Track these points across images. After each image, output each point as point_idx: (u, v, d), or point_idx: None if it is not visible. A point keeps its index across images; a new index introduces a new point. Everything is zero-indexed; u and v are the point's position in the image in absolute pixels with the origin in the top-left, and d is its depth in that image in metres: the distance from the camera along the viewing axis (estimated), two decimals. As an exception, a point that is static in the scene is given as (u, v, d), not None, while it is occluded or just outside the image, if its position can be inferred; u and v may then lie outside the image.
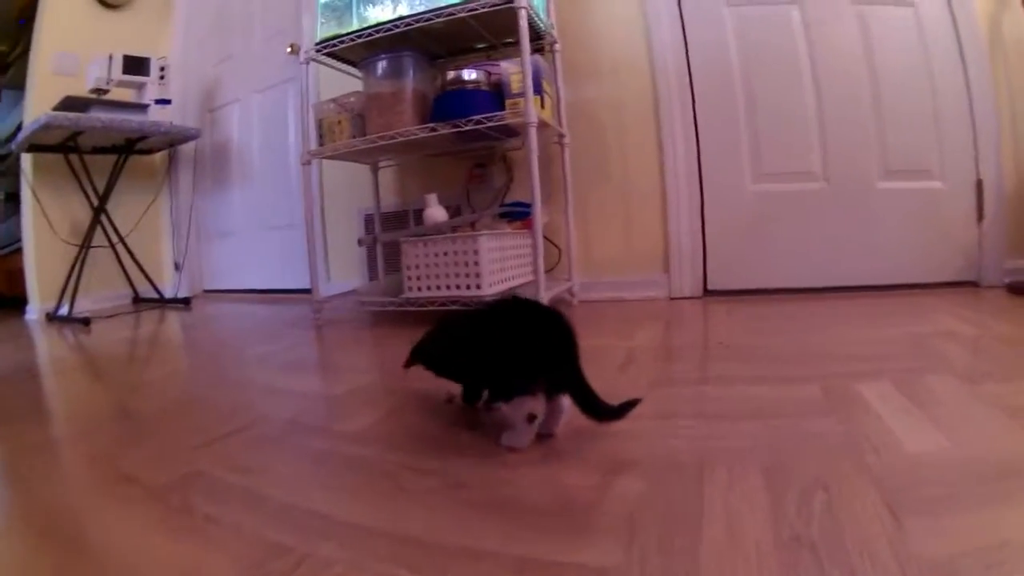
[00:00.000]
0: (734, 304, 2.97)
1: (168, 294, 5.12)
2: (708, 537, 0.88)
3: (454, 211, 3.44)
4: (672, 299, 3.24)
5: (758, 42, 3.18)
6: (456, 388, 1.56)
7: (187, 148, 5.38)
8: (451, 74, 2.80)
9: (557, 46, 3.24)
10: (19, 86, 5.05)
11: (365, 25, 2.95)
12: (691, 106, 3.25)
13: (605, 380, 1.70)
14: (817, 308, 2.73)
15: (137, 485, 1.25)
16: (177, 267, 5.46)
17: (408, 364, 1.60)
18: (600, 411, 1.25)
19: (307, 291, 4.46)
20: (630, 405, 1.26)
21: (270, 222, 4.99)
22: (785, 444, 1.20)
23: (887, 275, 3.02)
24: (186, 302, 4.78)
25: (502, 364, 1.27)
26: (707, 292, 3.27)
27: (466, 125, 2.67)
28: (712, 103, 3.24)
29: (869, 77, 3.04)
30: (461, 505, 1.07)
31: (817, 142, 3.12)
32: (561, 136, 3.19)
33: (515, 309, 1.37)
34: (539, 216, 2.60)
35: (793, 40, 3.13)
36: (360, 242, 3.47)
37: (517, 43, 3.00)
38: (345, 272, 4.31)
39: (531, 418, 1.26)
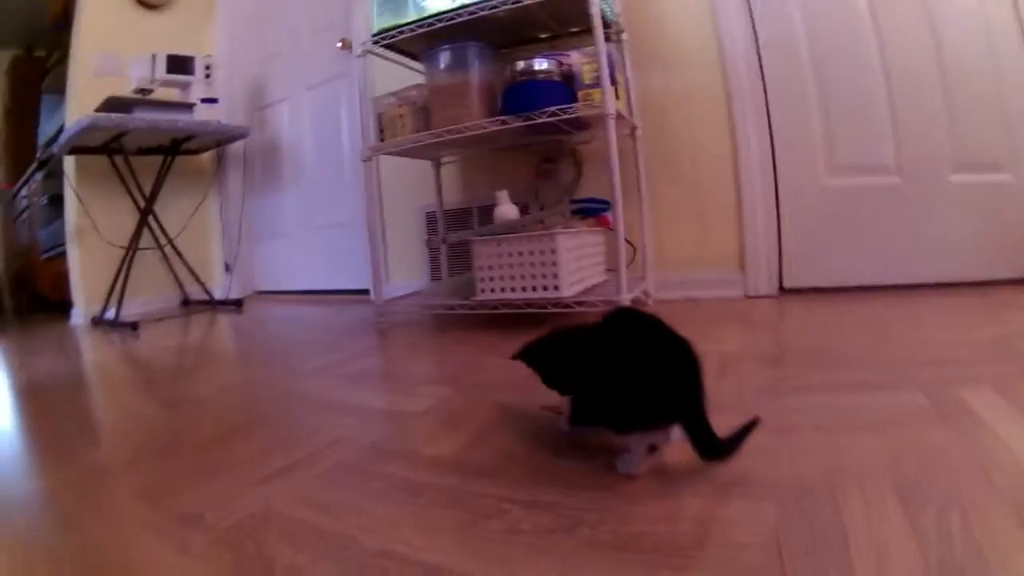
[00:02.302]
0: (812, 303, 2.85)
1: (219, 296, 5.11)
2: (861, 568, 0.82)
3: (522, 208, 3.30)
4: (748, 297, 3.11)
5: (826, 31, 3.05)
6: (557, 400, 1.42)
7: (236, 147, 5.34)
8: (521, 64, 2.68)
9: (624, 35, 3.10)
10: (59, 91, 5.00)
11: (424, 15, 2.83)
12: (763, 97, 3.12)
13: (706, 389, 1.60)
14: (895, 306, 2.64)
15: (202, 527, 1.11)
16: (228, 268, 5.40)
17: (516, 357, 1.46)
18: (716, 451, 1.12)
19: (362, 292, 4.42)
20: (745, 431, 1.13)
21: (323, 221, 4.93)
22: (909, 459, 1.13)
23: (960, 272, 2.89)
24: (238, 304, 4.73)
25: (626, 399, 1.14)
26: (783, 290, 3.13)
27: (539, 118, 2.54)
28: (783, 94, 3.11)
29: (937, 66, 2.89)
30: (586, 547, 0.94)
31: (890, 134, 2.97)
32: (633, 128, 3.05)
33: (643, 332, 1.22)
34: (620, 213, 2.46)
35: (861, 29, 2.99)
36: (429, 243, 3.37)
37: (583, 32, 2.91)
38: (405, 272, 4.21)
39: (652, 449, 1.16)
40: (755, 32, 3.11)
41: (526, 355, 1.45)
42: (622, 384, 1.14)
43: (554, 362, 1.39)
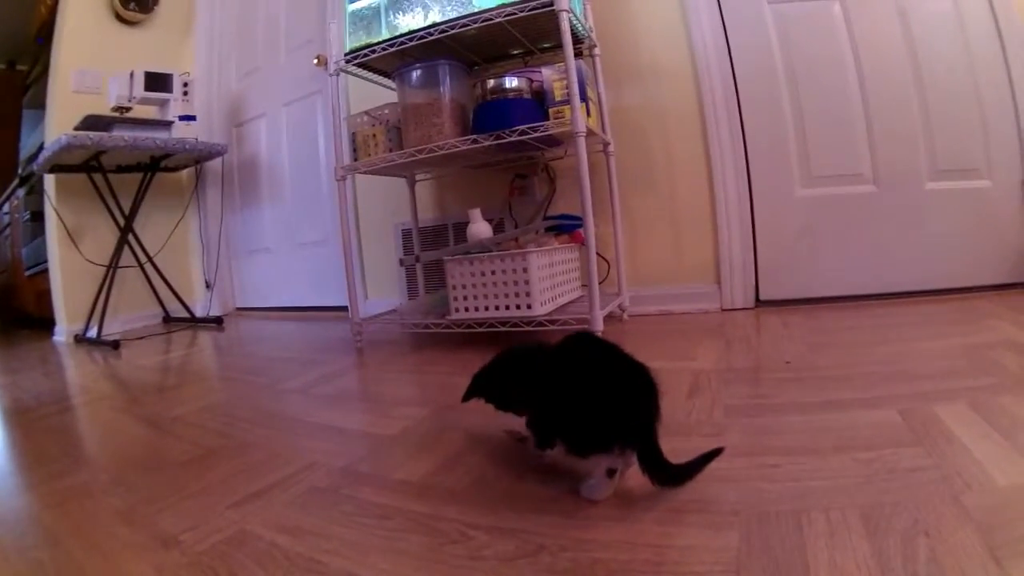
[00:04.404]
0: (788, 315, 2.86)
1: (199, 313, 5.13)
2: None
3: (496, 225, 3.34)
4: (724, 311, 3.13)
5: (800, 41, 3.07)
6: (519, 424, 1.44)
7: (214, 165, 5.34)
8: (492, 82, 2.68)
9: (597, 50, 3.13)
10: (40, 106, 5.00)
11: (396, 34, 2.82)
12: (737, 110, 3.13)
13: (676, 409, 1.64)
14: (872, 317, 2.65)
15: (178, 549, 1.14)
16: (208, 285, 5.40)
17: (468, 397, 1.49)
18: (666, 478, 1.12)
19: (341, 308, 4.42)
20: (704, 461, 1.14)
21: (302, 238, 4.92)
22: (877, 482, 1.12)
23: (938, 279, 2.92)
24: (218, 321, 4.75)
25: (582, 420, 1.15)
26: (759, 302, 3.15)
27: (510, 136, 2.55)
28: (758, 107, 3.13)
29: (913, 74, 2.93)
30: (546, 574, 0.95)
31: (865, 143, 3.00)
32: (606, 144, 3.07)
33: (596, 356, 1.23)
34: (592, 230, 2.48)
35: (835, 37, 3.01)
36: (402, 262, 3.38)
37: (555, 48, 2.93)
38: (383, 289, 4.24)
39: (611, 472, 1.16)
40: (728, 43, 3.13)
41: (476, 389, 1.48)
42: (576, 404, 1.16)
43: (505, 386, 1.42)
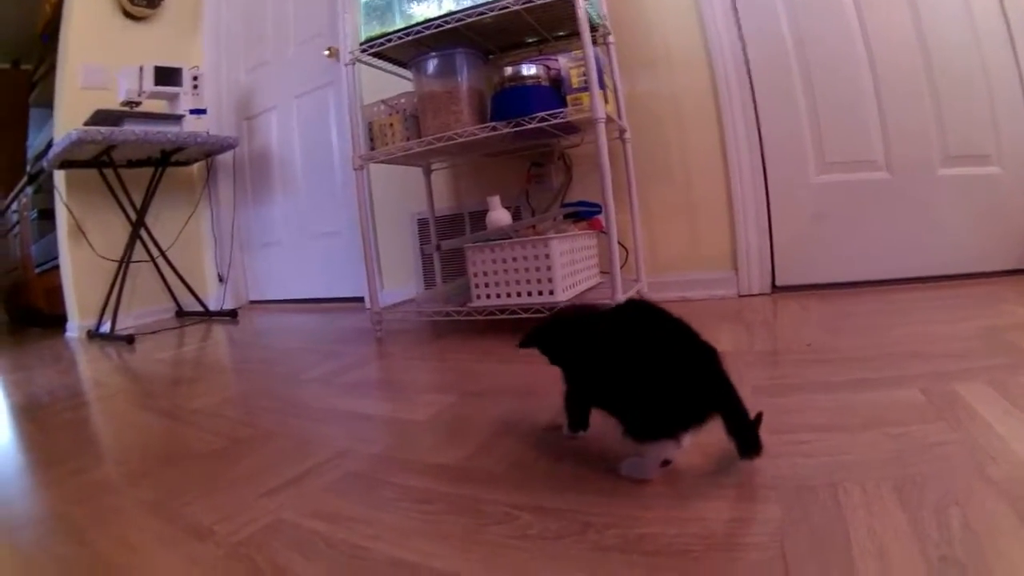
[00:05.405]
0: (805, 300, 2.86)
1: (213, 306, 5.11)
2: (863, 567, 0.82)
3: (513, 213, 3.33)
4: (741, 296, 3.13)
5: (812, 28, 3.05)
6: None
7: (225, 158, 5.34)
8: (509, 70, 2.68)
9: (611, 38, 3.10)
10: (47, 104, 4.99)
11: (411, 23, 2.81)
12: (751, 97, 3.12)
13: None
14: (887, 302, 2.65)
15: (212, 540, 1.12)
16: (221, 279, 5.39)
17: (525, 344, 1.43)
18: (759, 444, 1.10)
19: (356, 299, 4.41)
20: (758, 425, 1.13)
21: (314, 230, 4.91)
22: (906, 455, 1.14)
23: (950, 265, 2.91)
24: (232, 314, 4.73)
25: (657, 399, 1.11)
26: (775, 288, 3.14)
27: (529, 123, 2.55)
28: (771, 94, 3.12)
29: (923, 60, 2.91)
30: (595, 550, 0.95)
31: (878, 130, 2.99)
32: (622, 131, 3.06)
33: (663, 334, 1.19)
34: (613, 216, 2.47)
35: (846, 24, 2.99)
36: (424, 251, 3.37)
37: (570, 36, 2.91)
38: (398, 279, 4.23)
39: (665, 463, 1.16)
40: (741, 31, 3.12)
41: (537, 341, 1.42)
42: (647, 388, 1.12)
43: (567, 349, 1.36)
